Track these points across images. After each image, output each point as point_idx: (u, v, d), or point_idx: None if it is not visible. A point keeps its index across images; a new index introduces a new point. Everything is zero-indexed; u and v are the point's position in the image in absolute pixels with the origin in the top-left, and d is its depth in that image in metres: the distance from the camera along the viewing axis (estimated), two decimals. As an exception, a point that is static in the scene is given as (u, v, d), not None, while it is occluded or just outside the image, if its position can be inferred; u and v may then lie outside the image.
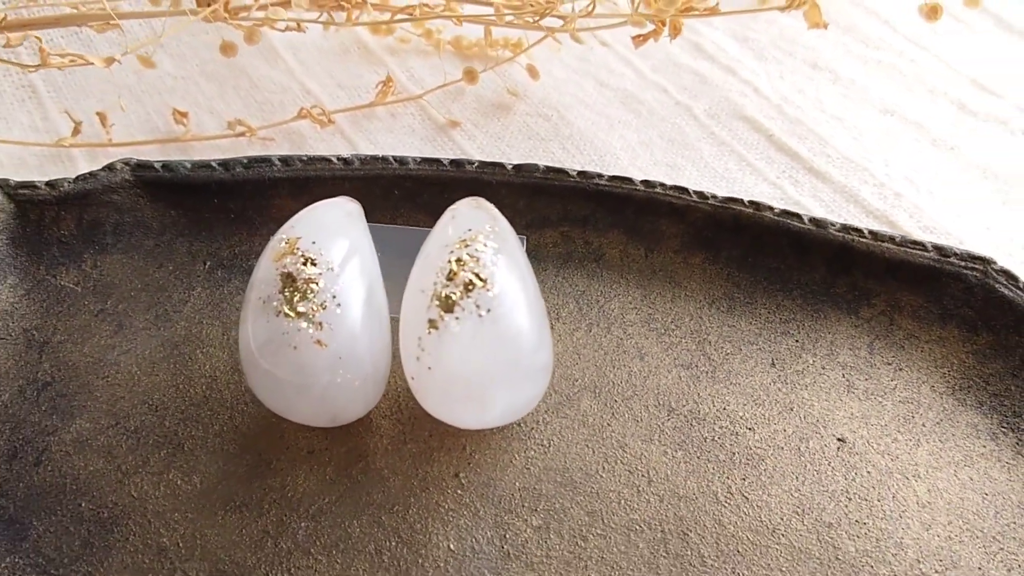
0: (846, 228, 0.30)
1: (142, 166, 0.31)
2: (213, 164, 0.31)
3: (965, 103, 0.40)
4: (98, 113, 0.36)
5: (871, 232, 0.30)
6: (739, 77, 0.41)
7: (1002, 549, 0.25)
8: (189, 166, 0.31)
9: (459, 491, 0.26)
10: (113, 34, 0.39)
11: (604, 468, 0.26)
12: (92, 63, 0.32)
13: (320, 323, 0.24)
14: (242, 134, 0.36)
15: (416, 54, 0.41)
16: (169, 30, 0.35)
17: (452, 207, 0.27)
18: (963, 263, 0.29)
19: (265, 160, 0.31)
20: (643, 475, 0.26)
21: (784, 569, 0.24)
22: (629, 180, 0.31)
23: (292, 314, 0.24)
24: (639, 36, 0.34)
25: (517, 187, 0.31)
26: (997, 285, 0.29)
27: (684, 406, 0.28)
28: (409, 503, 0.25)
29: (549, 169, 0.31)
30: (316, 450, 0.26)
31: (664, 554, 0.24)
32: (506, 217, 0.27)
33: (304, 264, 0.24)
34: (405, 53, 0.41)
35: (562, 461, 0.26)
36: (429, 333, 0.24)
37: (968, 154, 0.38)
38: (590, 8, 0.34)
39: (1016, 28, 0.44)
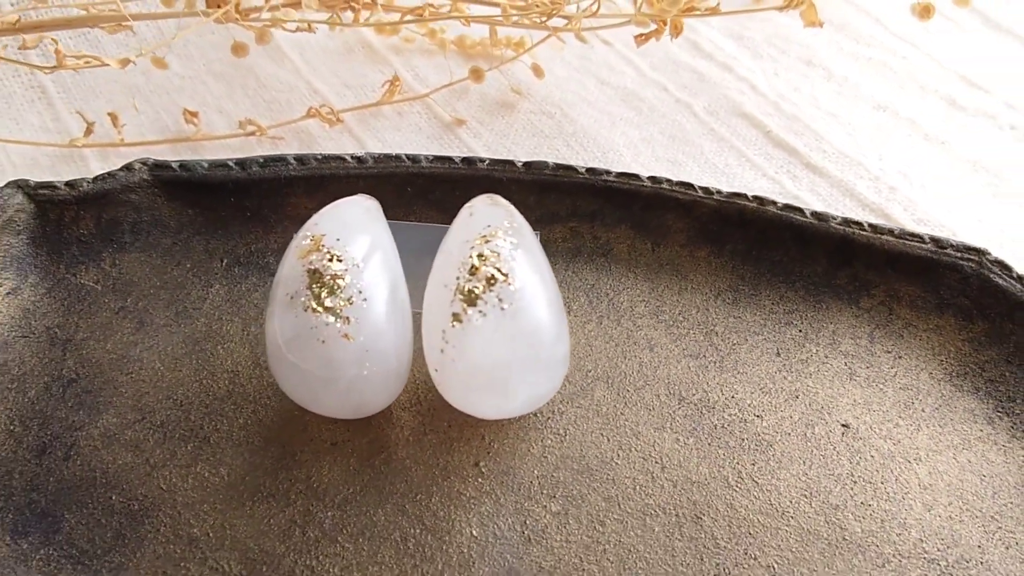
0: (847, 222, 0.31)
1: (159, 166, 0.32)
2: (229, 163, 0.32)
3: (955, 99, 0.41)
4: (110, 113, 0.36)
5: (871, 225, 0.31)
6: (736, 75, 0.42)
7: (1000, 528, 0.26)
8: (206, 165, 0.32)
9: (479, 479, 0.26)
10: (121, 35, 0.39)
11: (619, 455, 0.27)
12: (108, 64, 0.32)
13: (347, 317, 0.24)
14: (252, 133, 0.37)
15: (420, 53, 0.42)
16: (182, 32, 0.35)
17: (469, 204, 0.28)
18: (959, 254, 0.31)
19: (281, 159, 0.32)
20: (657, 461, 0.27)
21: (794, 549, 0.25)
22: (636, 176, 0.32)
23: (320, 309, 0.24)
24: (641, 35, 0.35)
25: (527, 184, 0.32)
26: (992, 275, 0.30)
27: (694, 395, 0.29)
28: (432, 492, 0.26)
29: (558, 166, 0.32)
30: (339, 442, 0.27)
31: (679, 537, 0.25)
32: (516, 213, 0.27)
33: (330, 260, 0.25)
34: (409, 52, 0.42)
35: (578, 449, 0.27)
36: (453, 326, 0.24)
37: (959, 149, 0.39)
38: (595, 8, 0.35)
39: (1004, 26, 0.45)
